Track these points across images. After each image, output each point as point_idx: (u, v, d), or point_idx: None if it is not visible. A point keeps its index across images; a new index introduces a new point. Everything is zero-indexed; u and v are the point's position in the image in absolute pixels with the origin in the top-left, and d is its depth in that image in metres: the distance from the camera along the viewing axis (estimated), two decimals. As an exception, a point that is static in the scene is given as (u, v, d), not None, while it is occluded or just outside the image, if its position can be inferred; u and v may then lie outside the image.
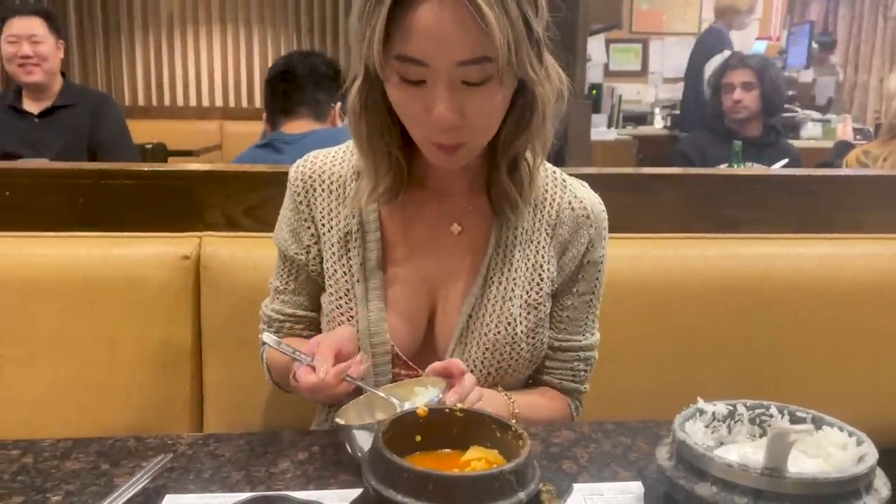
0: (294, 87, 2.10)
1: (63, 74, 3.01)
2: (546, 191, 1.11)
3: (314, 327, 1.16)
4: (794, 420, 0.78)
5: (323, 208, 1.10)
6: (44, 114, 2.89)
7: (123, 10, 6.56)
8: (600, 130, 5.43)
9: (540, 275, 1.10)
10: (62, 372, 1.39)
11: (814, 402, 1.34)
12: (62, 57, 2.97)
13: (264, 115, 2.20)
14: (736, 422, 0.80)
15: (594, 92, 6.12)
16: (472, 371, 1.03)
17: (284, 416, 1.40)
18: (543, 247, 1.10)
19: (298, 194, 1.12)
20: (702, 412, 0.79)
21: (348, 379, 0.91)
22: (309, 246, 1.12)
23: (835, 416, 0.77)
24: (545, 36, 0.94)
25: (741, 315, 1.46)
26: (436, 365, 0.94)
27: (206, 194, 1.51)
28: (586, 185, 1.16)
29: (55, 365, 1.39)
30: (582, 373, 1.16)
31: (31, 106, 2.90)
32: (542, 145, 1.02)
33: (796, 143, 3.65)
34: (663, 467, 0.73)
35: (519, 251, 1.09)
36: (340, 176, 1.10)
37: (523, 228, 1.09)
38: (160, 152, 4.69)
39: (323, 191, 1.11)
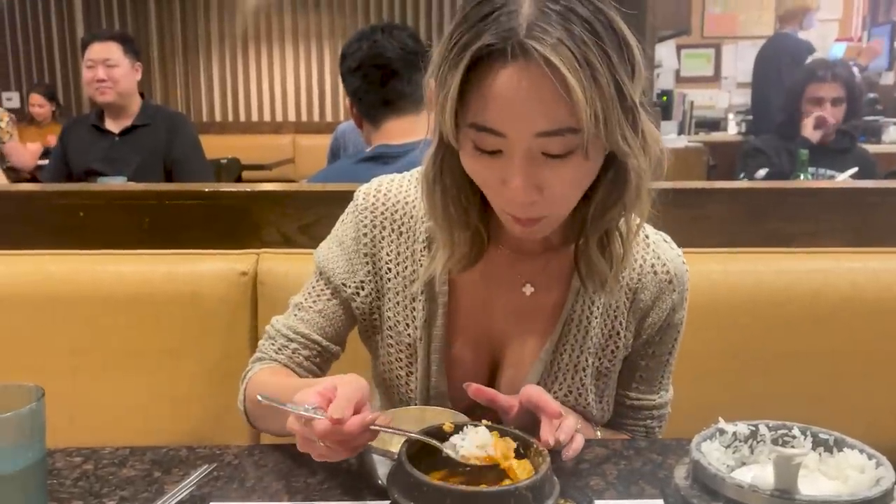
0: (389, 74, 1.83)
1: (142, 95, 3.16)
2: None
3: (321, 359, 1.09)
4: (817, 441, 0.77)
5: (390, 251, 1.05)
6: (123, 133, 3.04)
7: (201, 30, 6.83)
8: (670, 138, 5.35)
9: (616, 342, 1.05)
10: (130, 382, 1.48)
11: (869, 420, 1.31)
12: (139, 78, 3.10)
13: (353, 109, 1.94)
14: (758, 442, 0.80)
15: (664, 98, 6.04)
16: None
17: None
18: (622, 312, 1.05)
19: (365, 226, 1.05)
20: (722, 432, 0.79)
21: (377, 427, 0.79)
22: (363, 282, 1.06)
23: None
24: (642, 99, 0.85)
25: (792, 331, 1.43)
26: (532, 396, 0.89)
27: (262, 213, 1.58)
28: (669, 238, 1.08)
29: (124, 376, 1.48)
30: (655, 429, 1.13)
31: (112, 125, 3.06)
32: (640, 217, 0.94)
33: (877, 149, 3.53)
34: (679, 486, 0.74)
35: (596, 318, 1.03)
36: (412, 217, 1.04)
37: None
38: (234, 167, 4.86)
39: (392, 231, 1.05)
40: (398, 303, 1.05)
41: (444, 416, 0.92)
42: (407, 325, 1.05)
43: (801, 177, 2.60)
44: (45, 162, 3.46)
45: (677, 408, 1.41)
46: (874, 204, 1.59)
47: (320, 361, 1.09)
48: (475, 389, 0.94)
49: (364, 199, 1.06)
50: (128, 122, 3.05)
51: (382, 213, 1.05)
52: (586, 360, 1.04)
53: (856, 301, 1.43)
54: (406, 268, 1.04)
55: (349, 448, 0.80)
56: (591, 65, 0.78)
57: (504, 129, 0.82)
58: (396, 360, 1.06)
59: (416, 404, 1.06)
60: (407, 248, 1.04)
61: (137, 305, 1.47)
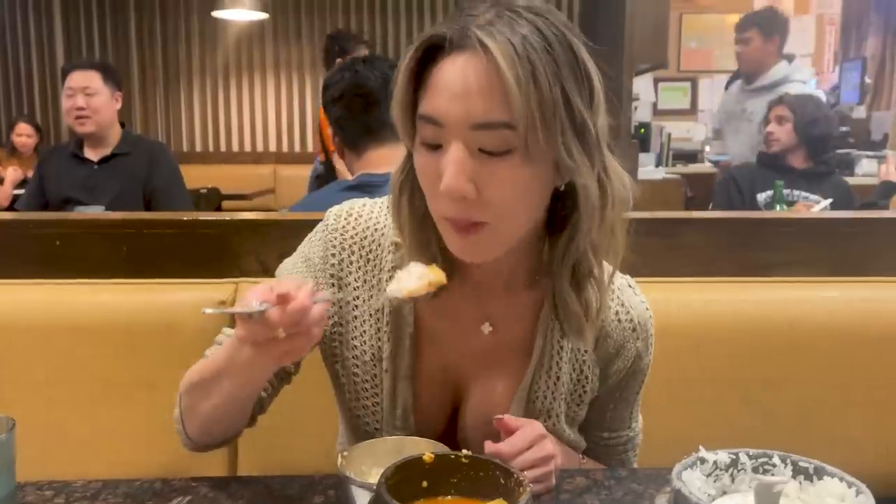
0: (371, 103, 1.84)
1: (122, 124, 3.15)
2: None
3: (273, 376, 1.04)
4: (797, 470, 0.77)
5: (357, 277, 1.03)
6: (102, 161, 3.03)
7: (183, 60, 6.84)
8: (648, 169, 5.40)
9: (584, 386, 1.04)
10: (105, 414, 1.45)
11: (848, 448, 1.31)
12: (118, 108, 3.10)
13: (335, 139, 1.96)
14: (739, 471, 0.80)
15: (642, 131, 6.11)
16: None
17: (319, 459, 1.41)
18: (589, 355, 1.04)
19: (334, 247, 1.03)
20: (703, 461, 0.79)
21: (319, 300, 0.80)
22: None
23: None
24: (600, 132, 0.86)
25: (770, 360, 1.44)
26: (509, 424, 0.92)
27: (241, 242, 1.57)
28: (634, 284, 1.08)
29: (98, 407, 1.45)
30: (631, 458, 1.14)
31: (91, 154, 3.05)
32: (611, 257, 0.93)
33: (851, 181, 3.61)
34: (660, 516, 0.74)
35: (566, 363, 1.02)
36: (380, 246, 1.02)
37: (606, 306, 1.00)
38: (214, 197, 4.85)
39: (360, 258, 1.03)
40: (364, 332, 1.03)
41: (423, 446, 0.91)
42: (373, 355, 1.03)
43: (777, 207, 2.64)
44: (22, 192, 3.43)
45: (656, 436, 1.40)
46: (850, 234, 1.61)
47: (273, 379, 1.04)
48: (497, 423, 0.93)
49: (335, 220, 1.05)
50: (107, 151, 3.04)
51: (352, 238, 1.03)
52: (559, 406, 1.03)
53: (833, 329, 1.45)
54: (372, 296, 1.02)
55: (307, 334, 0.80)
56: (533, 64, 0.79)
57: (442, 118, 0.83)
58: (362, 389, 1.04)
59: (381, 435, 1.04)
60: (374, 277, 1.02)
61: (113, 335, 1.45)
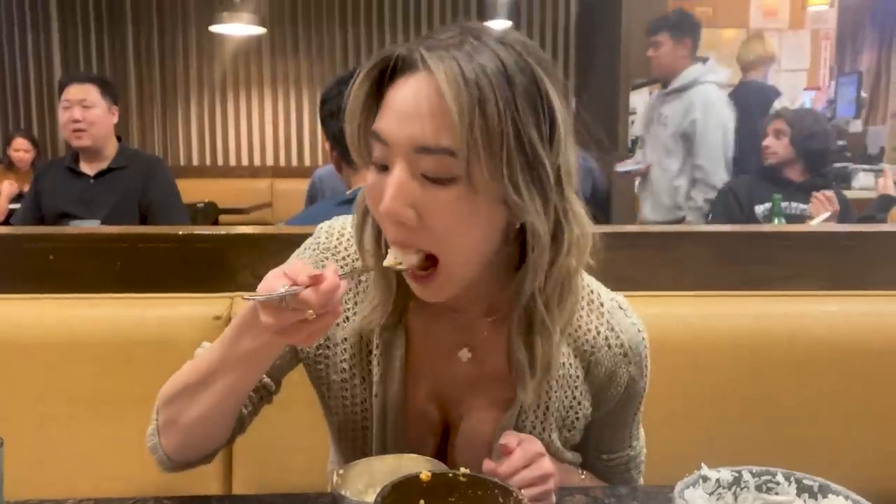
0: None
1: (119, 139, 3.14)
2: (581, 317, 0.99)
3: (255, 393, 1.02)
4: (801, 487, 0.76)
5: (348, 299, 1.00)
6: (98, 175, 3.01)
7: (180, 74, 6.86)
8: (645, 183, 5.41)
9: (576, 413, 1.01)
10: (99, 431, 1.43)
11: (851, 464, 1.30)
12: (115, 121, 3.09)
13: (333, 153, 1.97)
14: (742, 488, 0.79)
15: (638, 144, 6.13)
16: None
17: (314, 477, 1.40)
18: (580, 381, 1.00)
19: (323, 262, 1.00)
20: (705, 479, 0.78)
21: (345, 275, 0.81)
22: None
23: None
24: (563, 173, 0.83)
25: (770, 375, 1.43)
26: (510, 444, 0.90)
27: (237, 256, 1.56)
28: (626, 304, 1.03)
29: (92, 424, 1.43)
30: (635, 476, 1.12)
31: (87, 168, 3.03)
32: (566, 310, 0.90)
33: (847, 194, 3.62)
34: (662, 536, 0.72)
35: (555, 391, 0.98)
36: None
37: (558, 363, 0.97)
38: (211, 211, 4.84)
39: (351, 279, 1.00)
40: (353, 354, 1.00)
41: (421, 464, 0.90)
42: (363, 378, 1.00)
43: (776, 221, 2.63)
44: (17, 206, 3.41)
45: (656, 453, 1.39)
46: (849, 247, 1.60)
47: (254, 396, 1.02)
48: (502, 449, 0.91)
49: (327, 238, 1.03)
50: (103, 165, 3.02)
51: (344, 259, 1.01)
52: (549, 436, 1.00)
53: (832, 343, 1.44)
54: (362, 318, 0.99)
55: (334, 312, 0.79)
56: (482, 91, 0.76)
57: (388, 137, 0.81)
58: (352, 413, 1.02)
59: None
60: (363, 299, 1.00)
61: (107, 351, 1.44)
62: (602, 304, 1.01)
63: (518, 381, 0.94)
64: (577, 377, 1.00)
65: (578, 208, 0.86)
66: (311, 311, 0.76)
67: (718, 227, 1.75)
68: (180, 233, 1.61)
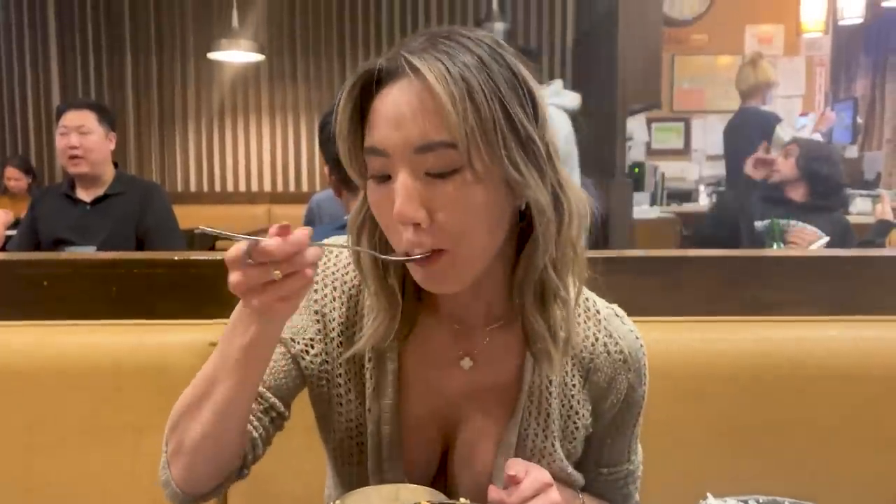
0: None
1: (116, 165, 3.13)
2: (578, 324, 0.99)
3: (267, 417, 0.99)
4: (810, 518, 0.75)
5: (341, 313, 1.00)
6: (96, 202, 3.00)
7: (178, 101, 6.88)
8: (643, 209, 5.42)
9: (575, 422, 1.00)
10: (89, 461, 1.41)
11: (855, 490, 1.28)
12: (112, 148, 3.08)
13: (332, 178, 1.98)
14: (749, 519, 0.77)
15: (636, 170, 6.14)
16: None
17: (311, 504, 1.39)
18: (578, 389, 1.00)
19: (316, 283, 1.00)
20: (711, 509, 0.76)
21: (315, 244, 0.78)
22: (312, 340, 1.00)
23: None
24: (551, 147, 0.86)
25: (773, 401, 1.41)
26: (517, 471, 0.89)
27: (233, 282, 1.54)
28: (622, 313, 1.04)
29: (83, 454, 1.41)
30: (632, 491, 1.10)
31: (84, 194, 3.02)
32: (575, 276, 0.91)
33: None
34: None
35: (555, 398, 0.98)
36: (361, 284, 0.99)
37: (577, 338, 0.98)
38: (208, 237, 4.80)
39: (343, 293, 1.00)
40: (349, 370, 1.00)
41: (420, 494, 0.88)
42: (358, 393, 1.00)
43: (774, 245, 2.63)
44: (13, 233, 3.39)
45: (660, 481, 1.37)
46: (850, 272, 1.59)
47: (264, 418, 0.99)
48: (508, 478, 0.89)
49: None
50: (100, 192, 3.01)
51: (333, 274, 1.01)
52: (552, 445, 0.99)
53: (836, 369, 1.42)
54: (354, 333, 0.99)
55: (302, 274, 0.75)
56: (468, 82, 0.80)
57: (384, 147, 0.83)
58: (346, 430, 1.01)
59: (368, 484, 1.00)
60: (356, 314, 1.00)
61: (100, 378, 1.42)
62: (598, 312, 1.01)
63: (544, 357, 0.93)
64: (575, 385, 1.00)
65: (570, 180, 0.89)
66: (277, 272, 0.74)
67: (720, 252, 1.73)
68: (176, 258, 1.60)
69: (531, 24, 6.98)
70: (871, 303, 1.55)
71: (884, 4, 4.94)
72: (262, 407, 0.98)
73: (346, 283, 1.01)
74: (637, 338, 1.02)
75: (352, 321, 1.00)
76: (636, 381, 1.01)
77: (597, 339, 0.99)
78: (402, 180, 0.82)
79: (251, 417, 0.97)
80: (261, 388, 0.97)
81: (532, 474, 0.89)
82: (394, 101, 0.82)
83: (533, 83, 0.86)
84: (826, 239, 2.83)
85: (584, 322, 1.00)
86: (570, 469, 1.02)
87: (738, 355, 1.43)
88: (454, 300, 0.95)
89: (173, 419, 0.96)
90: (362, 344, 0.95)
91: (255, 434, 0.98)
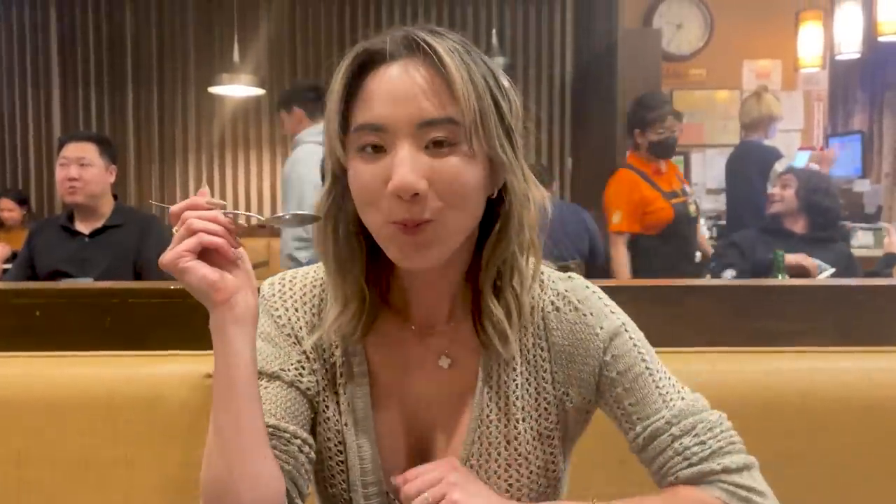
0: None
1: (115, 197, 3.12)
2: (532, 297, 0.99)
3: (299, 452, 0.95)
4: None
5: (309, 330, 1.00)
6: (94, 234, 2.99)
7: (179, 134, 6.91)
8: (644, 241, 5.40)
9: (546, 398, 0.98)
10: (81, 495, 1.37)
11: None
12: (112, 181, 3.07)
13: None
14: (766, 556, 0.73)
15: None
16: None
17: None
18: (544, 366, 0.99)
19: (277, 310, 1.00)
20: (727, 546, 0.73)
21: (224, 212, 0.88)
22: (300, 363, 0.98)
23: None
24: (519, 141, 0.91)
25: (782, 433, 1.38)
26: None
27: (230, 312, 1.51)
28: (575, 276, 1.03)
29: (74, 488, 1.37)
30: (694, 448, 0.97)
31: (82, 226, 3.00)
32: (533, 255, 0.94)
33: (847, 252, 3.62)
34: None
35: (516, 381, 0.98)
36: (322, 300, 1.01)
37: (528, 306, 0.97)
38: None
39: (307, 312, 1.01)
40: (325, 385, 1.00)
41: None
42: (335, 406, 0.99)
43: (779, 276, 2.60)
44: (10, 266, 3.37)
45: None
46: (859, 302, 1.57)
47: (290, 448, 0.94)
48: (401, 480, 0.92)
49: (269, 288, 1.03)
50: (99, 224, 3.00)
51: (292, 297, 1.02)
52: (515, 429, 0.97)
53: (847, 401, 1.39)
54: (324, 351, 1.00)
55: (189, 226, 0.86)
56: (468, 66, 0.86)
57: (386, 123, 0.85)
58: (326, 448, 1.00)
59: (352, 496, 0.98)
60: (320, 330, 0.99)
61: (93, 410, 1.38)
62: (544, 281, 1.01)
63: (499, 339, 0.94)
64: (542, 360, 0.99)
65: (528, 171, 0.93)
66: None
67: (725, 282, 1.72)
68: (171, 288, 1.57)
69: (530, 59, 7.03)
70: (879, 333, 1.53)
71: (880, 39, 4.97)
72: (283, 438, 0.95)
73: (306, 302, 1.02)
74: (587, 286, 1.02)
75: (317, 311, 1.01)
76: (603, 322, 0.98)
77: (544, 302, 1.00)
78: (405, 152, 0.84)
79: (276, 453, 0.93)
80: (274, 421, 0.94)
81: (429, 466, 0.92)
82: (395, 79, 0.86)
83: (506, 79, 0.92)
84: (831, 270, 2.81)
85: (538, 293, 1.00)
86: (546, 450, 0.99)
87: (747, 387, 1.40)
88: (424, 301, 0.97)
89: (202, 480, 0.91)
90: (325, 330, 0.96)
91: (288, 467, 0.94)
